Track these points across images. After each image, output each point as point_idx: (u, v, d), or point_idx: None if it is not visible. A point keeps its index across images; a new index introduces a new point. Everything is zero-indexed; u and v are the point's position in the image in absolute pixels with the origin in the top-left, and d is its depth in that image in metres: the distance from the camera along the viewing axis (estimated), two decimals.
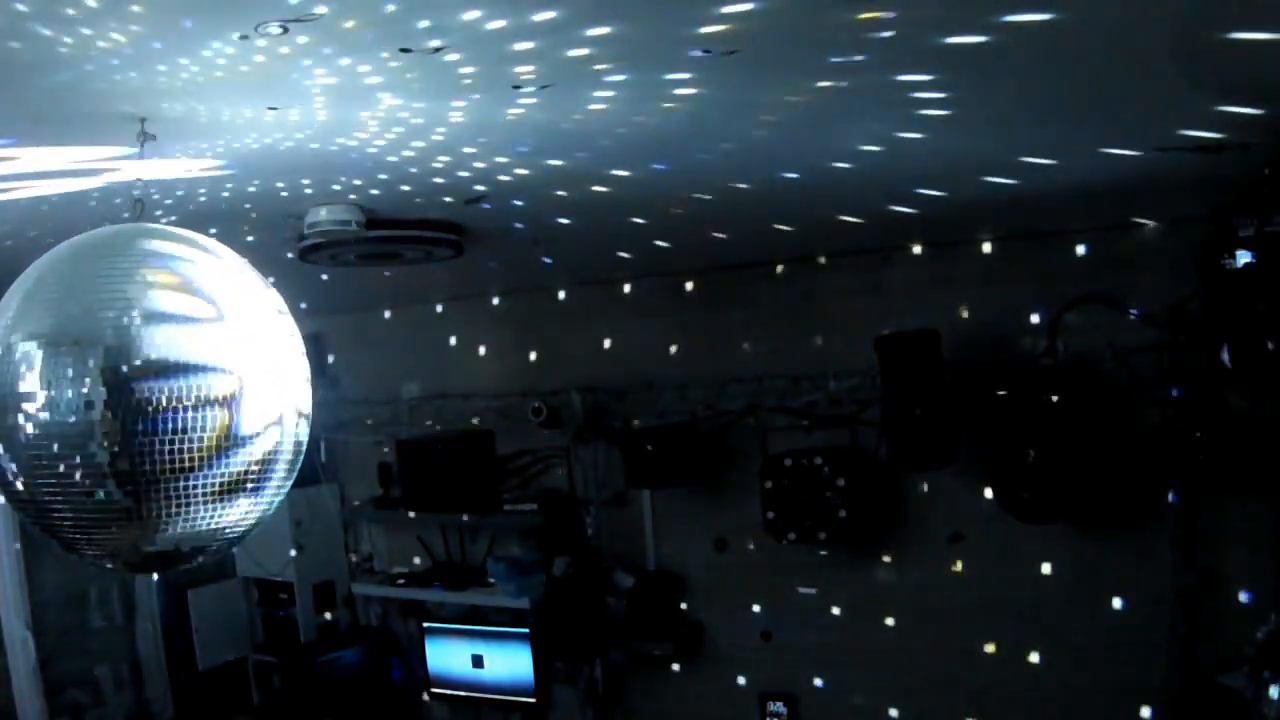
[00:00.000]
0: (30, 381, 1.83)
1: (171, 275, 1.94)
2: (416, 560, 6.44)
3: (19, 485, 1.89)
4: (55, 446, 1.83)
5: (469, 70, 2.02)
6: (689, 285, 5.40)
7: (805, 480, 4.73)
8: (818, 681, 5.16)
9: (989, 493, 4.41)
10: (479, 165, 2.83)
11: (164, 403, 1.83)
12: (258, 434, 1.95)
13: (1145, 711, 4.32)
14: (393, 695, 6.43)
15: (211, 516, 1.93)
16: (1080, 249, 4.34)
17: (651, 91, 2.22)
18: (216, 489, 1.91)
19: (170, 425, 1.83)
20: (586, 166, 2.87)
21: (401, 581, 6.33)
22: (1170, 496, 4.19)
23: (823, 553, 4.96)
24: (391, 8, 1.68)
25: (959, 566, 4.75)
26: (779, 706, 5.27)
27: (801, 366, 4.99)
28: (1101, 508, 4.23)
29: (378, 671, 6.40)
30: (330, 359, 6.56)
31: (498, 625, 5.92)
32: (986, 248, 4.55)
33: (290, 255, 3.73)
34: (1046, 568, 4.53)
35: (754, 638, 5.31)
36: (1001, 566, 4.63)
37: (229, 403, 1.90)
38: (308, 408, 2.12)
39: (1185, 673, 4.16)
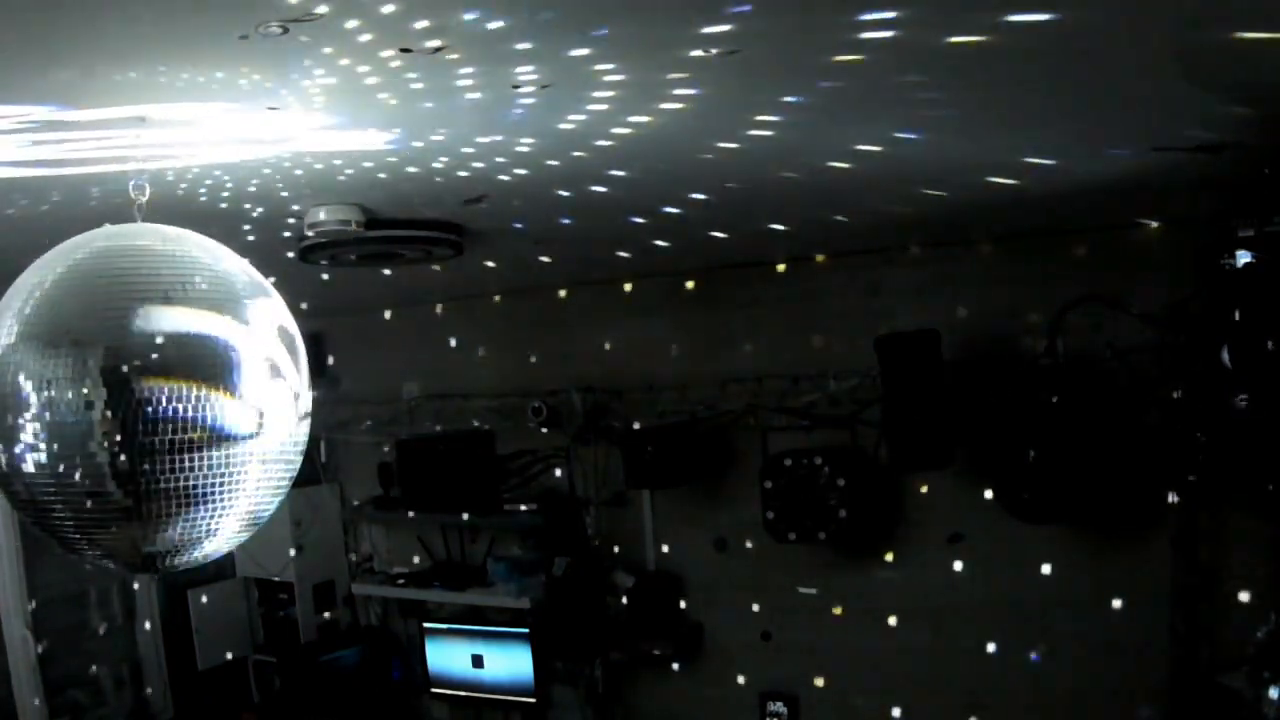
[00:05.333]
0: (30, 381, 1.83)
1: (172, 275, 1.94)
2: (416, 560, 6.44)
3: (19, 485, 1.89)
4: (55, 446, 1.83)
5: (469, 70, 2.02)
6: (689, 285, 5.40)
7: (805, 480, 4.73)
8: (818, 681, 5.16)
9: (989, 493, 4.41)
10: (479, 165, 2.84)
11: (164, 403, 1.83)
12: (258, 434, 1.95)
13: (1145, 712, 4.32)
14: (393, 695, 6.43)
15: (211, 517, 1.93)
16: (1080, 249, 4.34)
17: (651, 91, 2.22)
18: (216, 489, 1.91)
19: (170, 425, 1.83)
20: (586, 166, 2.87)
21: (401, 581, 6.33)
22: (1170, 497, 4.19)
23: (823, 553, 4.96)
24: (391, 8, 1.68)
25: (959, 566, 4.75)
26: (779, 706, 5.27)
27: (801, 366, 4.99)
28: (1101, 508, 4.23)
29: (378, 671, 6.40)
30: (330, 359, 6.57)
31: (498, 625, 5.92)
32: (986, 248, 4.55)
33: (290, 255, 3.73)
34: (1046, 568, 4.53)
35: (754, 638, 5.32)
36: (1001, 566, 4.63)
37: (229, 403, 1.90)
38: (308, 408, 2.12)
39: (1185, 673, 4.16)
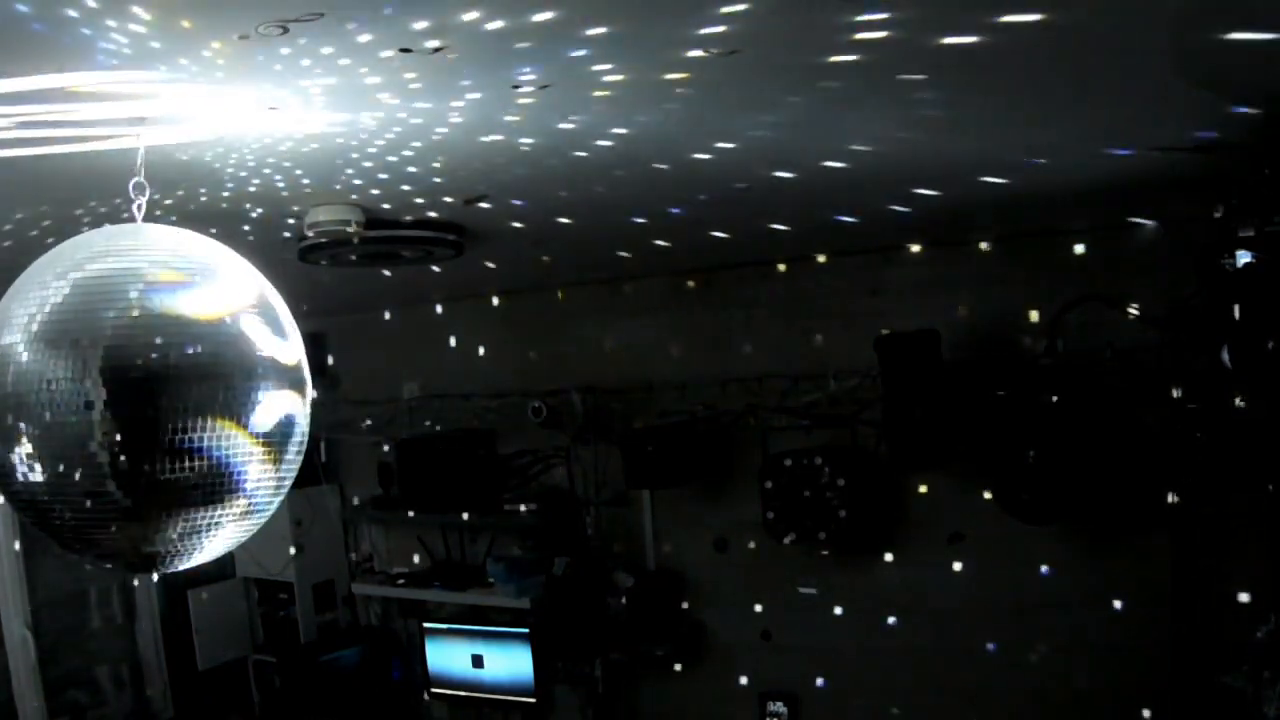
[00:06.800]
0: (30, 381, 1.83)
1: (172, 275, 1.94)
2: (416, 560, 6.44)
3: (19, 485, 1.89)
4: (55, 446, 1.82)
5: (469, 70, 2.02)
6: (689, 285, 5.40)
7: (805, 480, 4.73)
8: (818, 681, 5.16)
9: (989, 493, 4.41)
10: (479, 165, 2.84)
11: (164, 402, 1.83)
12: (258, 434, 1.95)
13: (1145, 712, 4.32)
14: (393, 695, 6.43)
15: (211, 516, 1.93)
16: (1080, 249, 4.34)
17: (651, 91, 2.22)
18: (216, 489, 1.91)
19: (170, 425, 1.83)
20: (586, 166, 2.87)
21: (401, 581, 6.33)
22: (1170, 497, 4.19)
23: (823, 553, 4.96)
24: (391, 8, 1.68)
25: (959, 566, 4.75)
26: (779, 706, 5.27)
27: (801, 366, 4.99)
28: (1101, 508, 4.23)
29: (378, 671, 6.40)
30: (330, 359, 6.56)
31: (498, 625, 5.92)
32: (986, 248, 4.55)
33: (290, 255, 3.73)
34: (1046, 568, 4.53)
35: (754, 638, 5.32)
36: (1001, 566, 4.64)
37: (229, 403, 1.90)
38: (308, 409, 2.12)
39: (1185, 673, 4.16)
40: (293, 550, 6.29)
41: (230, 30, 1.73)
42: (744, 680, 5.37)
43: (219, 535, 1.99)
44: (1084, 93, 2.36)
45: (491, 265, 4.75)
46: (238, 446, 1.91)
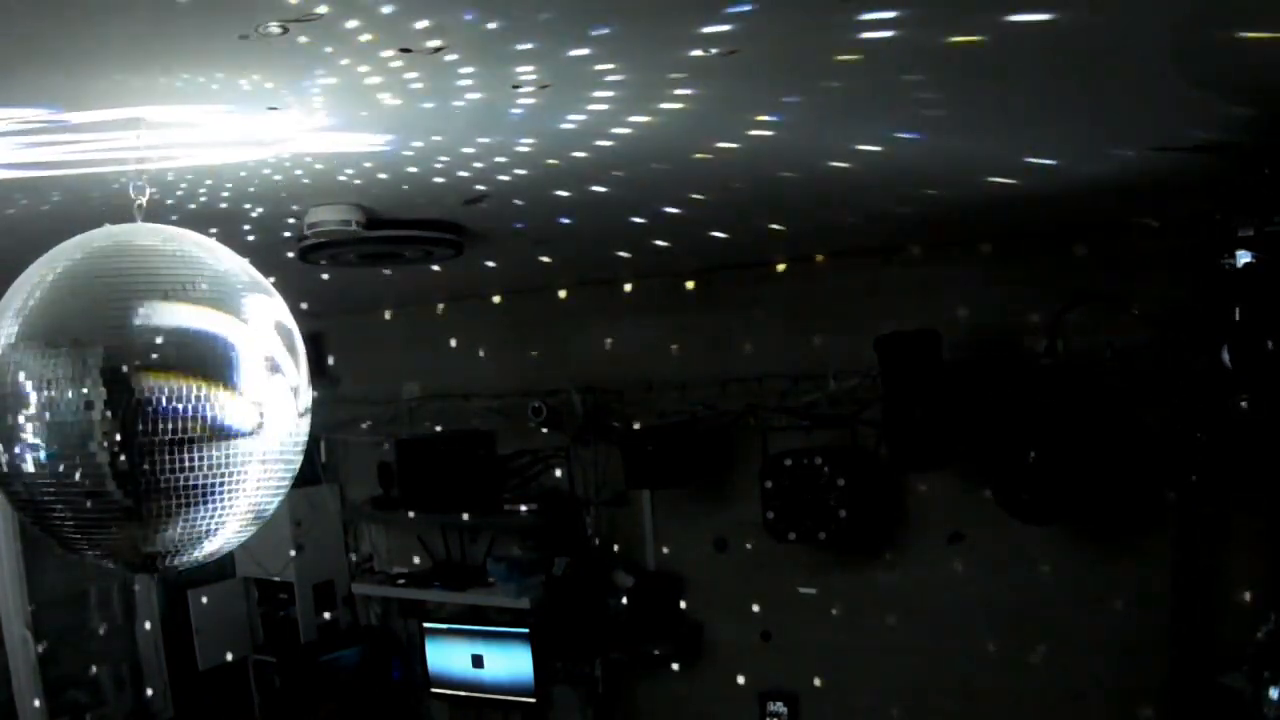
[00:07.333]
0: (30, 381, 1.83)
1: (172, 275, 1.94)
2: (416, 560, 6.44)
3: (19, 485, 1.89)
4: (55, 446, 1.82)
5: (469, 70, 2.02)
6: (689, 285, 5.39)
7: (805, 480, 4.73)
8: (818, 681, 5.16)
9: (989, 493, 4.41)
10: (479, 165, 2.84)
11: (164, 402, 1.83)
12: (258, 433, 1.95)
13: (1145, 712, 4.32)
14: (393, 695, 6.43)
15: (212, 516, 1.93)
16: (1080, 249, 4.34)
17: (651, 91, 2.22)
18: (217, 488, 1.91)
19: (170, 425, 1.83)
20: (586, 166, 2.87)
21: (401, 581, 6.33)
22: (1170, 496, 4.20)
23: (823, 553, 4.96)
24: (391, 8, 1.68)
25: (959, 566, 4.75)
26: (779, 706, 5.27)
27: (801, 366, 4.99)
28: (1101, 508, 4.23)
29: (378, 671, 6.40)
30: (330, 359, 6.56)
31: (498, 625, 5.92)
32: (986, 248, 4.55)
33: (290, 255, 3.73)
34: (1046, 568, 4.53)
35: (754, 638, 5.32)
36: (1001, 566, 4.64)
37: (229, 403, 1.90)
38: (308, 407, 2.12)
39: (1185, 673, 4.16)
40: (293, 550, 6.29)
41: (230, 30, 1.73)
42: (743, 680, 5.37)
43: (219, 535, 1.99)
44: (1084, 92, 2.36)
45: (491, 265, 4.75)
46: (238, 446, 1.91)
